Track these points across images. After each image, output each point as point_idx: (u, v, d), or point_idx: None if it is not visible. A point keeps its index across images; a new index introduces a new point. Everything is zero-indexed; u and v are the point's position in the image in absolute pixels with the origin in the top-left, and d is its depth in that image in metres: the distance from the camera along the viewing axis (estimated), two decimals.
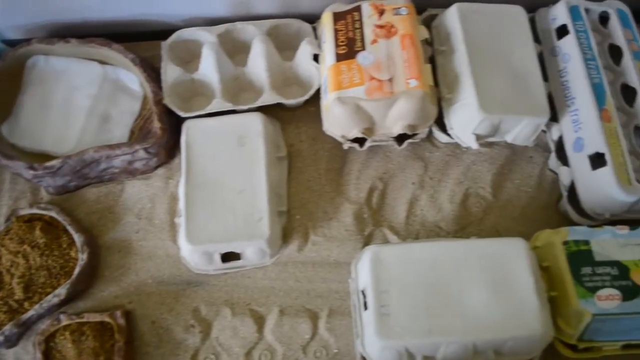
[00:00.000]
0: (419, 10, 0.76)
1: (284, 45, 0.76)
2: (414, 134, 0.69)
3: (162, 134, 0.69)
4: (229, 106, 0.70)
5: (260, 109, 0.72)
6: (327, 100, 0.67)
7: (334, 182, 0.72)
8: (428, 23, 0.75)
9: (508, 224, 0.71)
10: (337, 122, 0.68)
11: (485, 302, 0.57)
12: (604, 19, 0.76)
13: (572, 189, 0.70)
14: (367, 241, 0.69)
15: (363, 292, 0.60)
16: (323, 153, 0.73)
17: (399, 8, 0.70)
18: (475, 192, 0.72)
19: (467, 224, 0.71)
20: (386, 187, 0.72)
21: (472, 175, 0.73)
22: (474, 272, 0.58)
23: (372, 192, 0.72)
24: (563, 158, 0.71)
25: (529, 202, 0.72)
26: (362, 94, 0.65)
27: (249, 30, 0.75)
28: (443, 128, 0.71)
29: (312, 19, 0.76)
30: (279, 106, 0.73)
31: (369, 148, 0.73)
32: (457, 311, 0.57)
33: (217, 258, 0.66)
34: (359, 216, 0.70)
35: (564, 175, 0.71)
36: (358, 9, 0.71)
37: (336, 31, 0.70)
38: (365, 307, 0.58)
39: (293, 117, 0.75)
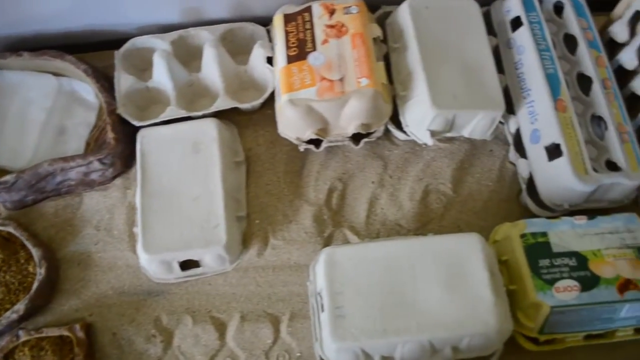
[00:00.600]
0: (374, 8, 0.76)
1: (240, 49, 0.76)
2: (370, 133, 0.69)
3: (116, 144, 0.69)
4: (183, 113, 0.70)
5: (217, 114, 0.72)
6: (279, 103, 0.67)
7: (293, 185, 0.72)
8: (382, 20, 0.75)
9: (469, 219, 0.71)
10: (290, 124, 0.67)
11: (441, 299, 0.56)
12: (558, 8, 0.76)
13: (530, 181, 0.69)
14: (327, 243, 0.69)
15: (320, 295, 0.59)
16: (281, 156, 0.73)
17: (349, 7, 0.70)
18: (436, 188, 0.72)
19: (428, 221, 0.70)
20: (346, 187, 0.72)
21: (432, 172, 0.73)
22: (429, 270, 0.58)
23: (331, 193, 0.71)
24: (521, 150, 0.71)
25: (490, 195, 0.72)
26: (314, 95, 0.65)
27: (203, 36, 0.74)
28: (399, 126, 0.70)
29: (266, 21, 0.75)
30: (236, 110, 0.73)
31: (328, 149, 0.72)
32: (412, 310, 0.56)
33: (176, 266, 0.66)
34: (319, 218, 0.70)
35: (522, 168, 0.70)
36: (308, 9, 0.70)
37: (287, 33, 0.69)
38: (322, 310, 0.58)
39: (250, 120, 0.75)
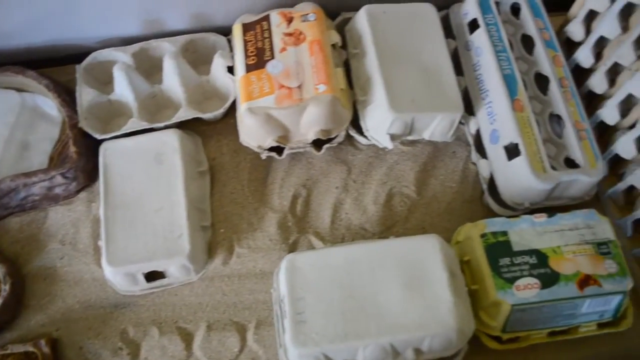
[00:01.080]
0: (334, 15, 0.77)
1: (202, 59, 0.76)
2: (331, 139, 0.69)
3: (78, 157, 0.69)
4: (144, 125, 0.70)
5: (180, 124, 0.72)
6: (239, 112, 0.67)
7: (258, 193, 0.72)
8: (342, 27, 0.76)
9: (434, 221, 0.71)
10: (250, 132, 0.68)
11: (400, 301, 0.57)
12: (515, 10, 0.77)
13: (492, 181, 0.70)
14: (292, 249, 0.69)
15: (282, 301, 0.59)
16: (245, 164, 0.73)
17: (307, 14, 0.70)
18: (400, 191, 0.72)
19: (392, 224, 0.71)
20: (310, 193, 0.72)
21: (396, 175, 0.73)
22: (389, 272, 0.58)
23: (295, 200, 0.72)
24: (482, 151, 0.71)
25: (453, 197, 0.72)
26: (272, 103, 0.65)
27: (164, 47, 0.75)
28: (361, 130, 0.71)
29: (228, 31, 0.76)
30: (199, 120, 0.73)
31: (292, 156, 0.73)
32: (373, 313, 0.56)
33: (141, 278, 0.66)
34: (283, 225, 0.70)
35: (483, 168, 0.71)
36: (267, 18, 0.71)
37: (246, 42, 0.70)
38: (285, 316, 0.58)
39: (214, 130, 0.75)
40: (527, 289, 0.60)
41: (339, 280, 0.58)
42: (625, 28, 0.67)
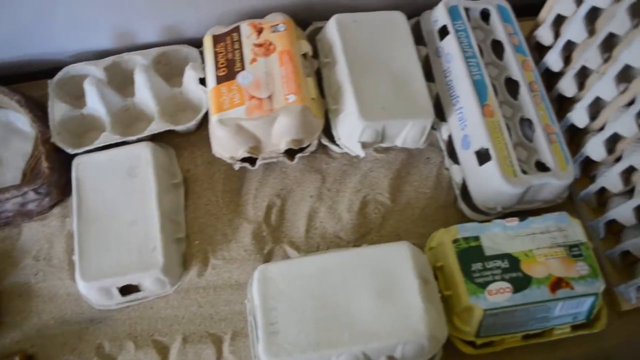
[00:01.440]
0: (305, 24, 0.77)
1: (175, 72, 0.76)
2: (303, 148, 0.69)
3: (50, 173, 0.68)
4: (117, 139, 0.70)
5: (154, 137, 0.72)
6: (211, 123, 0.67)
7: (233, 203, 0.72)
8: (314, 36, 0.76)
9: (408, 227, 0.71)
10: (222, 144, 0.68)
11: (372, 309, 0.57)
12: (485, 15, 0.77)
13: (464, 187, 0.70)
14: (267, 259, 0.69)
15: (255, 312, 0.59)
16: (219, 175, 0.73)
17: (276, 25, 0.71)
18: (374, 198, 0.73)
19: (367, 232, 0.71)
20: (284, 203, 0.72)
21: (370, 182, 0.73)
22: (360, 281, 0.58)
23: (270, 210, 0.72)
24: (454, 156, 0.72)
25: (428, 203, 0.73)
26: (243, 114, 0.65)
27: (137, 60, 0.75)
28: (333, 139, 0.71)
29: (200, 43, 0.76)
30: (173, 133, 0.73)
31: (266, 166, 0.73)
32: (345, 322, 0.56)
33: (116, 292, 0.66)
34: (258, 235, 0.70)
35: (456, 173, 0.71)
36: (237, 29, 0.71)
37: (216, 54, 0.70)
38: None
39: (188, 142, 0.75)
40: (499, 294, 0.60)
41: (311, 290, 0.58)
42: (591, 32, 0.68)
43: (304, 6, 0.78)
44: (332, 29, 0.72)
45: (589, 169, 0.72)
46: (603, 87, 0.65)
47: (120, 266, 0.65)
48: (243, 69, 0.68)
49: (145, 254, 0.65)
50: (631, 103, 0.62)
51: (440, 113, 0.73)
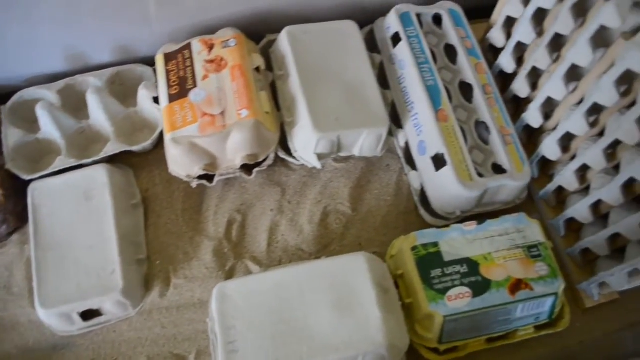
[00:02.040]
0: (259, 37, 0.77)
1: (131, 91, 0.76)
2: (261, 162, 0.69)
3: (6, 200, 0.68)
4: (72, 162, 0.70)
5: (111, 158, 0.72)
6: (165, 142, 0.67)
7: (193, 221, 0.72)
8: (267, 49, 0.76)
9: (370, 236, 0.71)
10: (177, 162, 0.67)
11: (330, 322, 0.57)
12: (438, 20, 0.78)
13: (423, 192, 0.71)
14: (229, 276, 0.69)
15: (215, 331, 0.59)
16: (179, 194, 0.73)
17: (227, 40, 0.70)
18: (335, 209, 0.72)
19: (328, 243, 0.71)
20: (245, 218, 0.72)
21: (330, 193, 0.73)
22: (318, 294, 0.58)
23: (231, 226, 0.71)
24: (412, 163, 0.72)
25: (389, 210, 0.73)
26: (196, 132, 0.65)
27: (90, 82, 0.74)
28: (290, 152, 0.71)
29: (154, 61, 0.75)
30: (130, 153, 0.73)
31: (225, 181, 0.73)
32: (304, 336, 0.56)
33: (77, 318, 0.65)
34: (219, 252, 0.70)
35: (414, 180, 0.72)
36: (188, 46, 0.71)
37: (168, 72, 0.70)
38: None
39: (146, 161, 0.74)
40: (458, 299, 0.60)
41: (269, 306, 0.58)
42: (540, 33, 0.68)
43: (257, 19, 0.78)
44: (283, 41, 0.72)
45: (547, 168, 0.73)
46: (553, 87, 0.65)
47: (79, 291, 0.64)
48: (195, 86, 0.68)
49: (104, 277, 0.64)
50: (581, 102, 0.63)
51: (397, 120, 0.73)
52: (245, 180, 0.73)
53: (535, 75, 0.71)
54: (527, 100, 0.73)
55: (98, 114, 0.71)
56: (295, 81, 0.69)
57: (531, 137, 0.74)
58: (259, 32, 0.77)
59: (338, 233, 0.71)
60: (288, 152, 0.71)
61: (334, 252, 0.70)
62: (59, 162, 0.70)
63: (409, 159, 0.72)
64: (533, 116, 0.70)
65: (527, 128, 0.73)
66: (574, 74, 0.63)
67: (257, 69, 0.71)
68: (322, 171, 0.74)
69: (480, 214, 0.69)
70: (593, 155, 0.61)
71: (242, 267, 0.69)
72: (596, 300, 0.68)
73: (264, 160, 0.69)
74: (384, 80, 0.75)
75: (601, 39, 0.59)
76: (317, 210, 0.72)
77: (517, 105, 0.75)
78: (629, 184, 0.59)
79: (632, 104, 0.56)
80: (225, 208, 0.72)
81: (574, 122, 0.63)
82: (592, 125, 0.62)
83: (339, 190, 0.73)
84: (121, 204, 0.68)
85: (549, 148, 0.68)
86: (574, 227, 0.70)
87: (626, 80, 0.56)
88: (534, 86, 0.71)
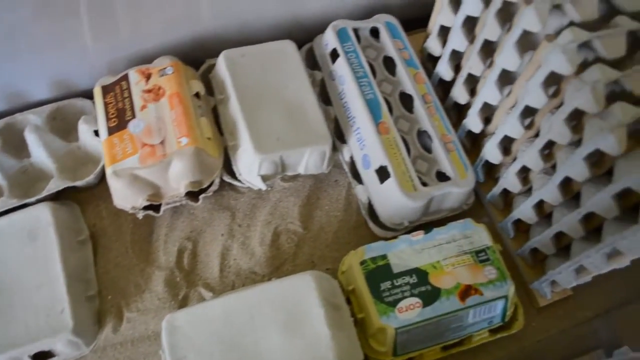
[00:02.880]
0: (199, 63, 0.77)
1: (73, 126, 0.75)
2: (205, 189, 0.69)
3: None
4: (14, 203, 0.69)
5: (57, 195, 0.71)
6: (106, 176, 0.66)
7: (143, 253, 0.71)
8: (208, 74, 0.76)
9: (323, 253, 0.71)
10: (120, 195, 0.67)
11: (281, 345, 0.56)
12: (376, 33, 0.78)
13: (370, 205, 0.71)
14: (182, 305, 0.68)
15: None
16: (127, 226, 0.72)
17: (164, 68, 0.70)
18: (285, 228, 0.72)
19: (281, 263, 0.70)
20: (196, 245, 0.71)
21: (280, 213, 0.73)
22: (267, 318, 0.58)
23: (182, 254, 0.71)
24: (358, 177, 0.72)
25: (339, 225, 0.73)
26: (137, 163, 0.65)
27: (30, 119, 0.73)
28: (235, 175, 0.71)
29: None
30: (75, 188, 0.72)
31: (174, 210, 0.72)
32: None
33: None
34: (171, 281, 0.69)
35: (361, 193, 0.72)
36: (125, 77, 0.70)
37: (106, 104, 0.69)
38: None
39: (92, 196, 0.74)
40: (409, 310, 0.60)
41: (219, 334, 0.57)
42: (472, 40, 0.69)
43: (195, 45, 0.78)
44: (221, 65, 0.72)
45: (492, 171, 0.74)
46: (487, 92, 0.66)
47: (29, 334, 0.63)
48: (134, 117, 0.67)
49: (53, 317, 0.63)
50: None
51: (341, 135, 0.74)
52: (194, 207, 0.73)
53: (472, 82, 0.71)
54: (468, 106, 0.74)
55: (39, 152, 0.70)
56: (235, 104, 0.69)
57: (475, 142, 0.75)
58: (199, 58, 0.77)
59: (290, 253, 0.71)
60: (233, 175, 0.71)
61: (287, 272, 0.70)
62: (1, 204, 0.69)
63: (355, 174, 0.73)
64: (473, 122, 0.71)
65: (470, 134, 0.73)
66: (508, 78, 0.64)
67: (197, 95, 0.71)
68: (271, 191, 0.74)
69: (429, 223, 0.70)
70: (530, 156, 0.62)
71: (195, 294, 0.69)
72: (549, 298, 0.69)
73: (209, 185, 0.69)
74: (326, 96, 0.75)
75: (528, 43, 0.60)
76: (268, 231, 0.72)
77: (458, 112, 0.76)
78: (567, 183, 0.59)
79: (562, 104, 0.57)
80: (175, 236, 0.72)
81: (510, 125, 0.64)
82: (528, 127, 0.63)
83: (288, 210, 0.73)
84: (67, 241, 0.68)
85: (491, 152, 0.69)
86: (523, 228, 0.71)
87: (554, 81, 0.57)
88: (472, 92, 0.72)
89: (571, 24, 0.55)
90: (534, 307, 0.70)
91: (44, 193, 0.70)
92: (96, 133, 0.72)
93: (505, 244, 0.72)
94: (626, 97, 0.51)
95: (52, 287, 0.65)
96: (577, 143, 0.56)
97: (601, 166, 0.54)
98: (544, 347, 0.68)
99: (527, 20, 0.56)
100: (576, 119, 0.55)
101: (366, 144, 0.70)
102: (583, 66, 0.53)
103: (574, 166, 0.55)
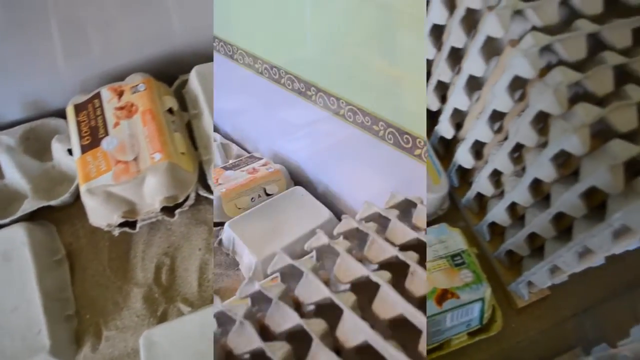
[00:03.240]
0: (173, 79, 0.77)
1: (48, 145, 0.75)
2: (181, 203, 0.69)
3: None
4: None
5: (32, 215, 0.71)
6: (81, 194, 0.66)
7: (121, 270, 0.71)
8: (181, 90, 0.76)
9: None
10: (95, 213, 0.67)
11: None
12: None
13: None
14: (161, 321, 0.67)
15: None
16: (104, 244, 0.72)
17: (136, 85, 0.70)
18: None
19: None
20: (174, 260, 0.71)
21: None
22: None
23: (160, 270, 0.71)
24: None
25: None
26: (110, 180, 0.65)
27: (3, 140, 0.73)
28: (211, 189, 0.71)
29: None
30: (51, 208, 0.72)
31: (150, 225, 0.72)
32: None
33: None
34: (150, 298, 0.69)
35: None
36: (98, 96, 0.71)
37: (79, 123, 0.69)
38: None
39: (68, 215, 0.73)
40: None
41: (196, 348, 0.57)
42: (440, 47, 0.70)
43: (168, 61, 0.78)
44: (193, 80, 0.72)
45: (466, 176, 0.74)
46: (456, 98, 0.67)
47: (5, 357, 0.62)
48: (107, 134, 0.67)
49: (30, 338, 0.63)
50: None
51: None
52: (170, 222, 0.73)
53: (442, 88, 0.72)
54: (439, 113, 0.75)
55: (12, 173, 0.70)
56: (208, 119, 0.69)
57: (448, 148, 0.75)
58: (172, 74, 0.78)
59: None
60: (209, 189, 0.71)
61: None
62: None
63: None
64: (444, 127, 0.72)
65: (442, 140, 0.74)
66: (476, 84, 0.65)
67: (171, 111, 0.72)
68: None
69: None
70: (501, 160, 0.63)
71: (174, 310, 0.68)
72: (527, 299, 0.70)
73: (185, 200, 0.69)
74: None
75: (493, 49, 0.61)
76: None
77: (431, 119, 0.77)
78: (536, 184, 0.60)
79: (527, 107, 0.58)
80: (152, 253, 0.71)
81: (479, 130, 0.65)
82: (498, 131, 0.64)
83: None
84: (43, 262, 0.67)
85: (463, 157, 0.70)
86: (498, 231, 0.72)
87: (520, 85, 0.58)
88: (443, 99, 0.73)
89: (533, 28, 0.56)
90: (513, 309, 0.70)
91: (19, 213, 0.69)
92: (70, 152, 0.72)
93: (482, 247, 0.72)
94: (589, 98, 0.52)
95: (28, 308, 0.64)
96: (544, 145, 0.56)
97: (568, 167, 0.55)
98: (523, 347, 0.69)
99: (490, 26, 0.57)
100: (542, 121, 0.56)
101: None
102: (546, 69, 0.54)
103: (542, 167, 0.56)
